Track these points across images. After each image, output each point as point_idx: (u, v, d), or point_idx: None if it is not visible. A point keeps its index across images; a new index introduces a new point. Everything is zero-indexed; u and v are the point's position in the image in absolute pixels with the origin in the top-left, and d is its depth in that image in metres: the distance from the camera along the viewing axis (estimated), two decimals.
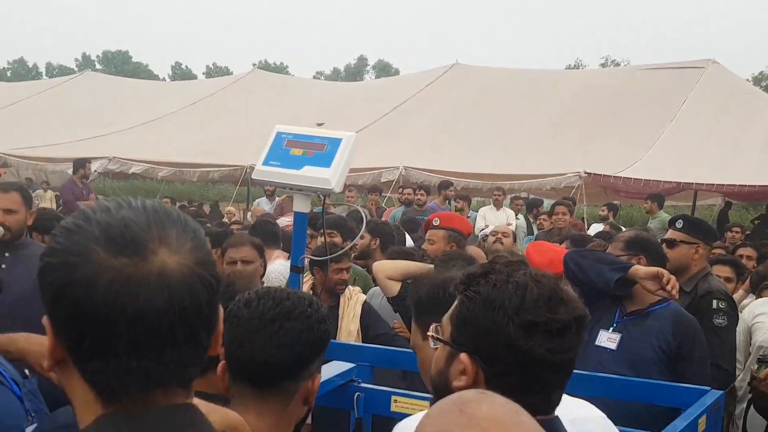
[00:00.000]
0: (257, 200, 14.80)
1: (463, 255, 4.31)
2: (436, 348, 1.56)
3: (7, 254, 4.12)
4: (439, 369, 1.53)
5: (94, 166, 14.63)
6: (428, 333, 1.60)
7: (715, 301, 4.05)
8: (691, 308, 3.99)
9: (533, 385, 1.43)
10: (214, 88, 23.56)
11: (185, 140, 18.51)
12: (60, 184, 15.89)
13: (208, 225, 8.41)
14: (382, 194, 13.75)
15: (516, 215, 12.58)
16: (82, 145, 17.94)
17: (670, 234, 4.37)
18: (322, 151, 2.43)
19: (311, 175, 2.42)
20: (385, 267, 4.26)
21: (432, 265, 4.11)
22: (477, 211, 12.69)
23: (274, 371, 1.65)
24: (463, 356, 1.46)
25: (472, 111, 18.19)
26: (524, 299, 1.43)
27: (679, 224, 4.37)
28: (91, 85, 23.91)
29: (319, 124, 18.77)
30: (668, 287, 3.24)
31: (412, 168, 14.74)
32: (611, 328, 3.50)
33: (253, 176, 2.55)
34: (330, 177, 2.41)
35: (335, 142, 2.45)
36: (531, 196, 15.69)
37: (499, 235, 6.59)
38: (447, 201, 12.16)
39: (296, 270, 2.56)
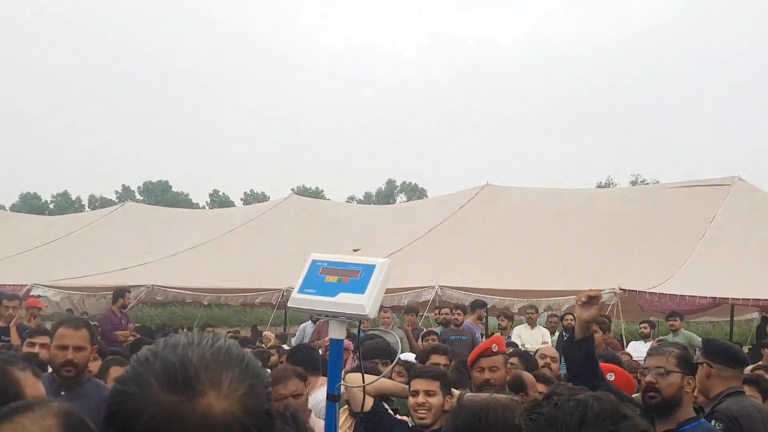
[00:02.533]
0: (302, 325, 14.89)
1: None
2: None
3: (62, 393, 4.05)
4: None
5: (133, 295, 14.87)
6: None
7: (713, 422, 3.99)
8: None
9: None
10: (252, 214, 24.11)
11: (223, 266, 18.81)
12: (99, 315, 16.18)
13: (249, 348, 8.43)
14: (419, 314, 13.75)
15: (553, 333, 12.48)
16: (123, 274, 18.30)
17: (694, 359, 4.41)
18: (356, 278, 2.53)
19: (346, 301, 2.51)
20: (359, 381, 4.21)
21: (404, 385, 4.10)
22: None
23: None
24: None
25: (504, 230, 18.37)
26: (586, 415, 1.46)
27: (701, 347, 4.49)
28: (132, 216, 24.60)
29: (356, 250, 19.06)
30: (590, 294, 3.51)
31: (448, 287, 14.77)
32: None
33: (289, 304, 2.64)
34: (365, 303, 2.49)
35: (369, 269, 2.55)
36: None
37: (548, 360, 6.33)
38: (480, 320, 12.19)
39: (332, 398, 2.60)
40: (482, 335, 12.00)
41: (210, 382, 1.03)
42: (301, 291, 2.56)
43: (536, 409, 1.53)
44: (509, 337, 11.64)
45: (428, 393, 3.88)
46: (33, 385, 2.22)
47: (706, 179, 19.57)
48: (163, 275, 17.77)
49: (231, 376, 1.05)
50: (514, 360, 5.40)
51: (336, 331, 2.58)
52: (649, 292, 13.48)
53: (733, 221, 16.31)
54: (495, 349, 4.63)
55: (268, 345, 12.82)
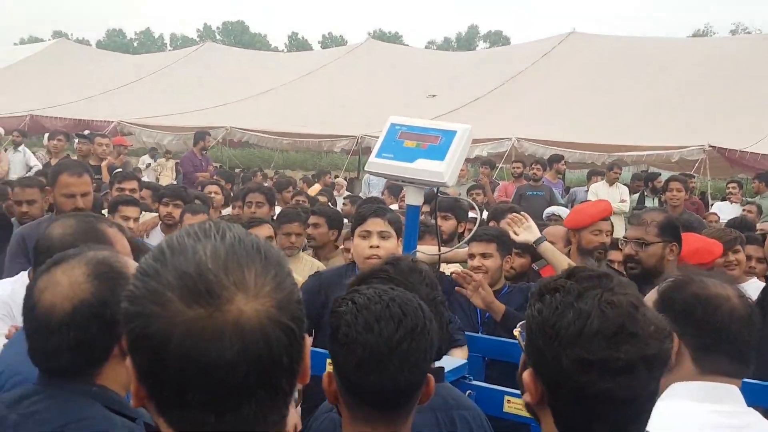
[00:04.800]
0: (366, 176, 14.52)
1: None
2: None
3: None
4: (518, 374, 1.43)
5: (212, 137, 15.09)
6: (514, 331, 1.50)
7: None
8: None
9: (599, 418, 1.31)
10: (330, 58, 23.81)
11: (300, 110, 18.84)
12: (180, 153, 16.58)
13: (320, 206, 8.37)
14: (495, 167, 13.54)
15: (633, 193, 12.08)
16: (201, 115, 18.58)
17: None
18: (436, 144, 2.38)
19: (424, 168, 2.38)
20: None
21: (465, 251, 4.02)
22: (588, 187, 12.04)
23: (409, 393, 1.63)
24: (526, 374, 1.37)
25: (589, 82, 17.63)
26: (582, 332, 1.28)
27: None
28: (211, 57, 24.64)
29: (431, 96, 18.76)
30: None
31: (525, 139, 14.43)
32: None
33: (366, 168, 2.53)
34: (444, 170, 2.35)
35: (450, 135, 2.39)
36: (650, 170, 15.08)
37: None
38: (558, 174, 11.85)
39: None
40: (564, 191, 11.68)
41: (234, 284, 0.93)
42: (378, 155, 2.44)
43: (539, 302, 1.36)
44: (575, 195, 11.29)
45: (484, 255, 3.83)
46: (121, 242, 2.24)
47: None
48: (242, 117, 17.95)
49: (254, 272, 0.95)
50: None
51: (413, 197, 2.48)
52: (741, 151, 12.88)
53: None
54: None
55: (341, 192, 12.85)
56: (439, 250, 2.84)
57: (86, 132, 11.92)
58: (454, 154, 2.37)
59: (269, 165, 22.90)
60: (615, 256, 4.72)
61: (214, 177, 10.12)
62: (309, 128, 17.47)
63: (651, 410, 1.36)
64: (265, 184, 9.28)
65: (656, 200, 10.47)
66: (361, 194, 12.36)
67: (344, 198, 10.82)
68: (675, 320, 1.64)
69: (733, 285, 1.88)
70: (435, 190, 2.54)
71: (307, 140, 17.30)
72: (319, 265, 4.91)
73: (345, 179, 16.01)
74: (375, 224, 3.21)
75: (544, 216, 7.49)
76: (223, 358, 0.91)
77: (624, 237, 3.60)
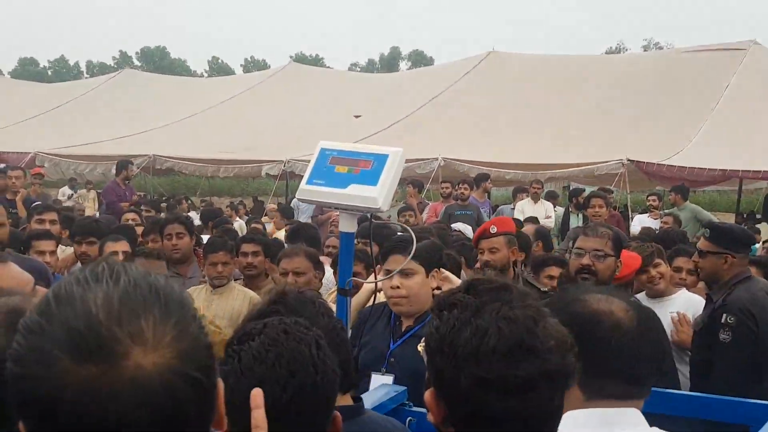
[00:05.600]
0: (294, 200, 14.61)
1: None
2: None
3: None
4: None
5: (135, 165, 14.73)
6: (418, 347, 1.46)
7: (724, 316, 3.95)
8: (709, 319, 4.04)
9: None
10: (252, 82, 23.65)
11: (224, 135, 18.62)
12: (101, 183, 16.14)
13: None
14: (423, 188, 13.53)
15: (555, 207, 12.38)
16: (122, 143, 18.16)
17: (700, 244, 4.29)
18: (368, 168, 2.35)
19: (357, 193, 2.34)
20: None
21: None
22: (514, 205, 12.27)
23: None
24: (428, 394, 1.32)
25: (510, 99, 17.97)
26: (479, 350, 1.22)
27: (707, 233, 4.27)
28: (130, 83, 24.18)
29: (357, 117, 18.79)
30: None
31: (451, 159, 14.57)
32: None
33: (297, 196, 2.48)
34: (377, 195, 2.32)
35: (381, 159, 2.36)
36: (572, 185, 15.46)
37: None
38: (485, 194, 12.02)
39: (343, 293, 2.48)
40: (491, 210, 11.80)
41: (130, 337, 0.84)
42: (309, 182, 2.39)
43: (435, 319, 1.31)
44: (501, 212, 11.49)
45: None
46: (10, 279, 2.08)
47: (722, 43, 18.95)
48: (165, 144, 17.61)
49: (152, 320, 0.86)
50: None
51: (347, 224, 2.43)
52: (658, 164, 13.29)
53: (748, 88, 15.89)
54: (493, 230, 4.50)
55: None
56: (375, 278, 2.80)
57: (1, 165, 11.48)
58: (387, 178, 2.34)
59: (195, 192, 22.52)
60: (553, 271, 4.75)
61: (142, 207, 9.83)
62: (234, 154, 17.24)
63: (557, 426, 1.30)
64: (192, 213, 9.09)
65: (580, 216, 10.71)
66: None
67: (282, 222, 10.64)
68: None
69: (625, 299, 1.71)
70: (369, 215, 2.51)
71: (233, 166, 17.06)
72: (252, 295, 4.80)
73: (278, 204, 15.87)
74: (395, 262, 3.06)
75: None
76: (122, 420, 0.82)
77: (577, 247, 3.56)
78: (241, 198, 22.83)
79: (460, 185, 10.83)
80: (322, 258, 5.30)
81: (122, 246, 5.10)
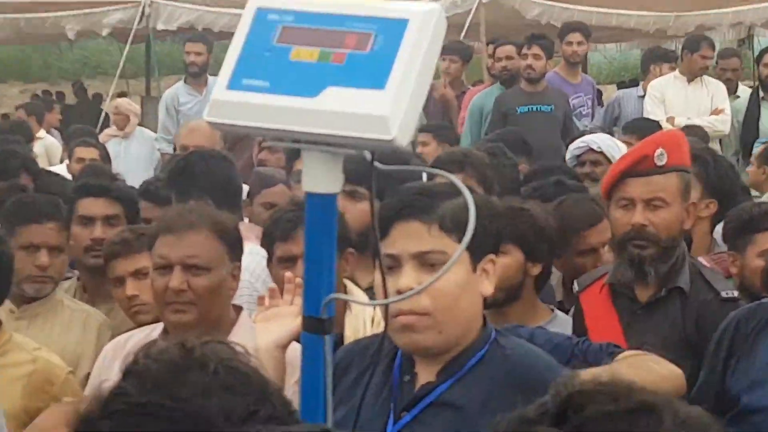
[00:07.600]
0: (172, 89, 7.64)
1: None
2: None
3: None
4: None
5: None
6: None
7: None
8: None
9: None
10: None
11: None
12: None
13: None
14: (469, 59, 7.35)
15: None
16: None
17: None
18: (364, 51, 1.01)
19: (342, 109, 1.01)
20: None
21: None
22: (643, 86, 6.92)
23: None
24: None
25: None
26: None
27: None
28: None
29: None
30: None
31: None
32: None
33: (206, 116, 1.07)
34: (387, 112, 1.00)
35: (394, 28, 1.01)
36: (763, 36, 9.87)
37: None
38: (579, 66, 6.75)
39: (314, 326, 1.11)
40: (596, 99, 6.74)
41: None
42: (233, 84, 1.03)
43: None
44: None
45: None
46: None
47: None
48: None
49: None
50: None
51: (320, 177, 1.05)
52: None
53: None
54: (662, 159, 2.33)
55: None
56: (384, 286, 1.36)
57: None
58: (409, 71, 1.01)
59: None
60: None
61: None
62: None
63: None
64: None
65: None
66: (157, 137, 6.93)
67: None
68: None
69: None
70: (370, 157, 1.16)
71: (38, 16, 9.04)
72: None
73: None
74: (407, 237, 1.59)
75: (568, 157, 4.22)
76: None
77: None
78: (46, 83, 13.36)
79: (528, 48, 6.02)
80: (242, 227, 2.83)
81: None
